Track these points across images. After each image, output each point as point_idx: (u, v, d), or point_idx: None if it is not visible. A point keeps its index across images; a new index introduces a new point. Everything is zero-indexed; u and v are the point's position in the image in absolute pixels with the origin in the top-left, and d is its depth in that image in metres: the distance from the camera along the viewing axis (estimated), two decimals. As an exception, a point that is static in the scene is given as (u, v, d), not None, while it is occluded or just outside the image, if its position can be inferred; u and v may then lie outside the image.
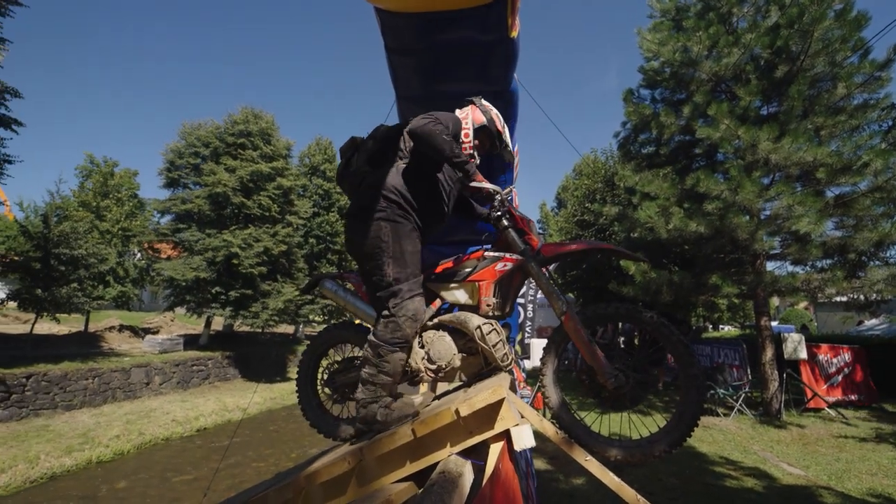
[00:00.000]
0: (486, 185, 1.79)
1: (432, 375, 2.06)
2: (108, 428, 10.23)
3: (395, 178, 1.82)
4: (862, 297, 7.90)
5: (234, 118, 19.17)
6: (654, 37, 8.43)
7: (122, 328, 17.93)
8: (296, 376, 2.21)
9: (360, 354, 2.16)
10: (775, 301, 22.25)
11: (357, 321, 2.19)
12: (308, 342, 2.23)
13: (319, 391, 2.15)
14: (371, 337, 1.71)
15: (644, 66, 9.25)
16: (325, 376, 2.12)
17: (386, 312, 1.71)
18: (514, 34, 3.00)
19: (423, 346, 1.98)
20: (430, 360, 2.00)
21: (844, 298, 8.35)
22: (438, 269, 1.98)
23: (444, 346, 1.97)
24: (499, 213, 1.91)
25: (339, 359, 2.18)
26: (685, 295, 8.08)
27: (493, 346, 1.74)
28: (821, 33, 6.89)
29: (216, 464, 8.73)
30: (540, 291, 1.97)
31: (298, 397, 2.16)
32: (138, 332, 18.23)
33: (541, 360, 1.93)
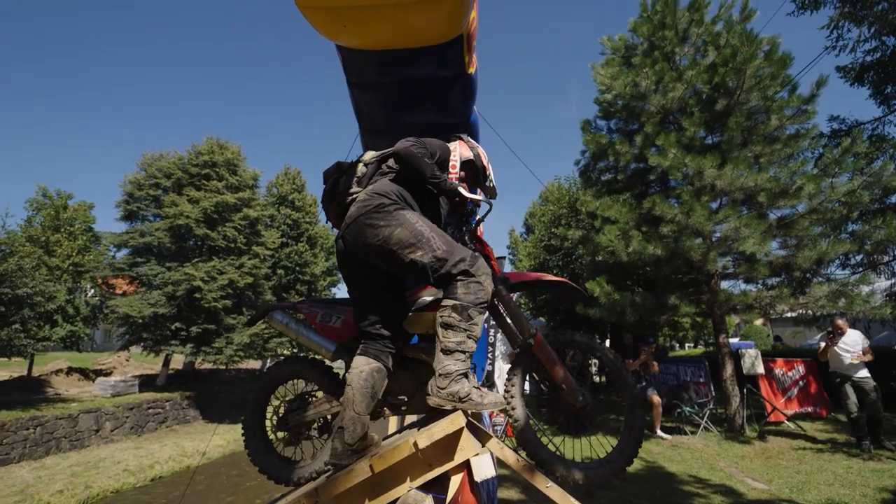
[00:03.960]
0: (476, 196, 1.83)
1: (396, 409, 2.04)
2: (50, 483, 9.35)
3: (391, 185, 1.81)
4: (809, 312, 8.39)
5: (198, 149, 18.81)
6: (607, 72, 9.00)
7: (70, 371, 16.68)
8: (243, 419, 2.03)
9: (311, 389, 2.07)
10: (735, 319, 23.24)
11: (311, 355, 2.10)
12: (253, 384, 2.10)
13: (270, 434, 2.00)
14: (453, 301, 1.58)
15: (599, 97, 9.83)
16: (276, 417, 1.97)
17: (462, 277, 1.61)
18: (472, 70, 3.16)
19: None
20: (393, 394, 1.98)
21: (795, 314, 8.84)
22: None
23: (407, 379, 1.96)
24: (465, 237, 1.95)
25: (289, 398, 2.04)
26: (648, 315, 8.34)
27: None
28: (753, 71, 7.55)
29: (172, 515, 8.10)
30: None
31: (245, 442, 2.00)
32: (88, 374, 17.00)
33: (506, 382, 1.94)
